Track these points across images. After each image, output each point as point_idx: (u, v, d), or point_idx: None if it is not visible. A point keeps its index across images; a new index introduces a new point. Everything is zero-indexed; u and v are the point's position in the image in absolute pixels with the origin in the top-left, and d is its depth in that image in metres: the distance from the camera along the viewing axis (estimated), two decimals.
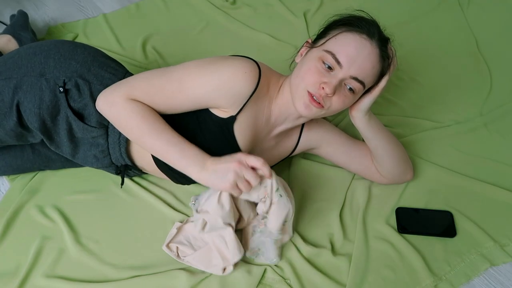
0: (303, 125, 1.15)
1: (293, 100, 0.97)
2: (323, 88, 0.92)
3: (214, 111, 1.00)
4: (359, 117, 1.05)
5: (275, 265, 1.06)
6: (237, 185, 0.90)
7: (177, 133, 0.96)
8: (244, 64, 0.95)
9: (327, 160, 1.23)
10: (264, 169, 0.91)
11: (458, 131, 1.37)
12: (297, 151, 1.18)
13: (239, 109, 0.98)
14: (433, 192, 1.22)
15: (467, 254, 1.10)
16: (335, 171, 1.25)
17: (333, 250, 1.10)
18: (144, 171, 1.16)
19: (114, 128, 1.04)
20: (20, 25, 1.48)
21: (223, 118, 0.99)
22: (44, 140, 1.03)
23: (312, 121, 1.16)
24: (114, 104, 0.95)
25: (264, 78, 0.99)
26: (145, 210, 1.16)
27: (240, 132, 1.01)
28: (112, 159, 1.09)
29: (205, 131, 1.01)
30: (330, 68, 0.93)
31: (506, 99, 1.47)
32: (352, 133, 1.26)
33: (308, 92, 0.94)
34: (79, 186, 1.19)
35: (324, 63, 0.93)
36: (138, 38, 1.59)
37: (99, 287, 1.01)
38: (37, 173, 1.21)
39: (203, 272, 1.04)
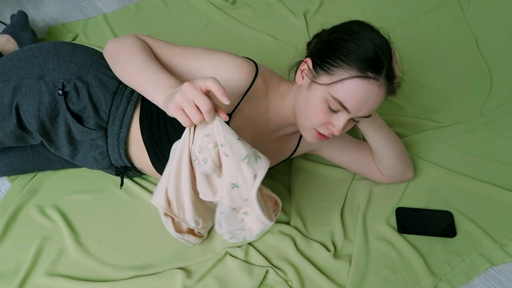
0: None
1: (300, 129, 0.99)
2: (329, 128, 0.93)
3: None
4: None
5: (277, 267, 1.06)
6: (183, 110, 0.76)
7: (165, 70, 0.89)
8: (242, 59, 0.96)
9: (329, 161, 1.23)
10: (218, 93, 0.74)
11: (458, 131, 1.37)
12: (297, 153, 1.18)
13: (234, 106, 0.98)
14: (433, 192, 1.22)
15: (467, 254, 1.10)
16: (336, 171, 1.25)
17: (334, 251, 1.10)
18: (143, 172, 1.16)
19: (113, 129, 1.04)
20: (20, 25, 1.48)
21: None
22: (44, 142, 1.03)
23: None
24: (119, 40, 0.96)
25: (261, 78, 0.98)
26: (144, 210, 1.16)
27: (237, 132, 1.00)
28: (111, 160, 1.09)
29: None
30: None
31: (506, 99, 1.47)
32: (352, 132, 1.26)
33: (317, 134, 0.96)
34: (79, 186, 1.20)
35: (329, 107, 0.91)
36: None
37: (99, 286, 1.01)
38: (37, 173, 1.21)
39: (201, 274, 1.04)
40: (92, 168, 1.12)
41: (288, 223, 1.15)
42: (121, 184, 1.12)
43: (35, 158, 1.15)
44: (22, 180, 1.20)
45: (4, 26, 1.55)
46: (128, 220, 1.14)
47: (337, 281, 1.05)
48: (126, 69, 0.92)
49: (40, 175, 1.21)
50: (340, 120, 0.91)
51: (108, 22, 1.65)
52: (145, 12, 1.72)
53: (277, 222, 1.15)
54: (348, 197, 1.21)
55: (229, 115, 0.98)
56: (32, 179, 1.20)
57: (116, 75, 0.96)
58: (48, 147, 1.05)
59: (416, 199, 1.21)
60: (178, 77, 0.95)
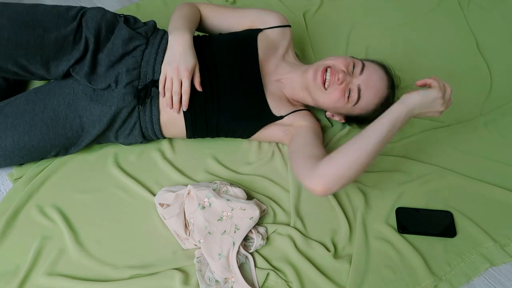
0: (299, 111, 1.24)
1: (309, 68, 1.20)
2: (338, 75, 1.14)
3: None
4: (405, 103, 1.06)
5: (278, 269, 1.06)
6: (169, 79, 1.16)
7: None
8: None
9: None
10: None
11: (458, 131, 1.37)
12: (283, 120, 1.21)
13: (268, 26, 1.29)
14: (433, 192, 1.22)
15: (467, 254, 1.11)
16: None
17: (335, 252, 1.10)
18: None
19: (154, 41, 1.21)
20: None
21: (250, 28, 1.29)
22: (90, 46, 1.14)
23: (306, 112, 1.25)
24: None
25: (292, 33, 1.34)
26: (145, 210, 1.16)
27: (261, 42, 1.26)
28: (141, 73, 1.16)
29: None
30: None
31: (506, 99, 1.47)
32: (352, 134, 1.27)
33: (325, 67, 1.16)
34: (79, 186, 1.20)
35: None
36: None
37: (99, 286, 1.02)
38: (37, 174, 1.21)
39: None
40: (116, 85, 1.14)
41: (288, 224, 1.15)
42: (141, 104, 1.16)
43: (43, 132, 1.12)
44: (22, 180, 1.20)
45: None
46: (128, 220, 1.14)
47: (337, 281, 1.05)
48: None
49: (41, 175, 1.21)
50: (348, 76, 1.17)
51: None
52: (145, 12, 1.72)
53: (277, 222, 1.15)
54: (348, 197, 1.21)
55: (262, 29, 1.29)
56: (32, 179, 1.20)
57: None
58: (89, 58, 1.14)
59: (416, 199, 1.21)
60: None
